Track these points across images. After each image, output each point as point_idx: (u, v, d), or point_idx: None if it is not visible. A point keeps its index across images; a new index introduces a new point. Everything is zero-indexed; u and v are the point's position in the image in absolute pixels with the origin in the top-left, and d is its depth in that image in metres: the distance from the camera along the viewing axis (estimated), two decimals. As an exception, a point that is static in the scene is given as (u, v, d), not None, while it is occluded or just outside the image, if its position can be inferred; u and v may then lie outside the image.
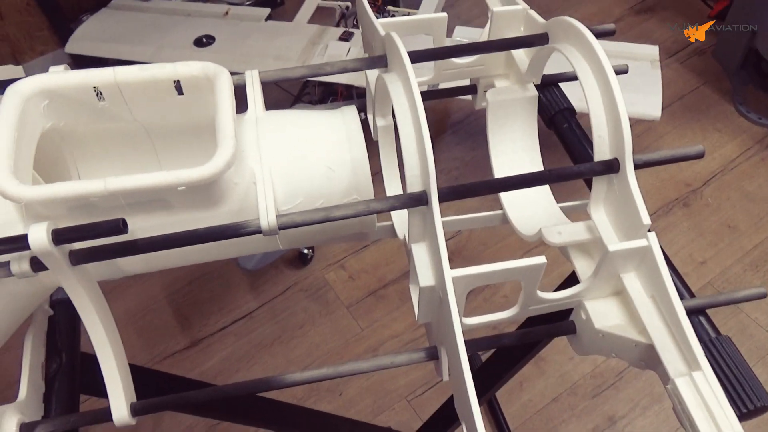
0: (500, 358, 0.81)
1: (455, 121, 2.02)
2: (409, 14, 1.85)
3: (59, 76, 0.42)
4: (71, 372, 0.50)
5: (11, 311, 0.43)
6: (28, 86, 0.41)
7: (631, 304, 0.42)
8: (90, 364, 0.53)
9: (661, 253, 0.39)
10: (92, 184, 0.37)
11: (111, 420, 0.42)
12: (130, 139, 0.49)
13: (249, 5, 2.07)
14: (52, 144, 0.48)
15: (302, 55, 1.69)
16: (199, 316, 1.62)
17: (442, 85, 0.64)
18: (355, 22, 1.89)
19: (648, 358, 0.41)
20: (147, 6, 1.97)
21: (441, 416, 1.11)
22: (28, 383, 0.46)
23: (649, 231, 0.41)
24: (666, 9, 2.28)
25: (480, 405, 0.35)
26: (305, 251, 1.67)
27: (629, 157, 0.41)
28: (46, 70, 0.46)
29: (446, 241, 0.39)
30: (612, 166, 0.42)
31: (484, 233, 1.70)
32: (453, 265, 0.38)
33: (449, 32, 1.76)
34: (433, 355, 0.46)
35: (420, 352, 0.46)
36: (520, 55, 0.57)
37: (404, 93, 0.43)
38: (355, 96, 1.73)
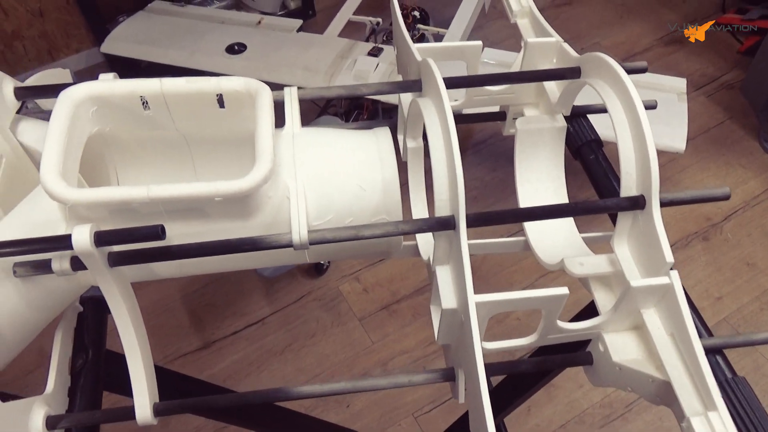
0: (513, 384, 0.81)
1: (477, 142, 2.03)
2: (438, 33, 1.87)
3: (109, 84, 0.44)
4: (96, 368, 0.52)
5: (47, 307, 0.44)
6: (79, 93, 0.43)
7: (650, 339, 0.42)
8: (113, 362, 0.55)
9: (683, 292, 0.40)
10: (136, 191, 0.39)
11: (134, 419, 0.44)
12: (169, 148, 0.51)
13: (282, 15, 2.11)
14: (95, 148, 0.50)
15: (330, 68, 1.71)
16: (212, 319, 1.64)
17: (471, 110, 0.66)
18: (384, 38, 1.91)
19: (664, 394, 0.41)
20: (182, 11, 2.02)
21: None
22: (56, 377, 0.47)
23: (671, 269, 0.41)
24: (695, 43, 2.28)
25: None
26: (322, 262, 1.68)
27: (656, 195, 0.42)
28: (81, 67, 0.48)
29: None
30: (638, 203, 0.43)
31: (501, 255, 1.70)
32: None
33: (477, 53, 1.78)
34: (449, 376, 0.47)
35: (437, 373, 0.47)
36: (551, 86, 0.58)
37: (438, 119, 0.44)
38: (380, 110, 1.75)
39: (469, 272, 0.40)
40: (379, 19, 1.93)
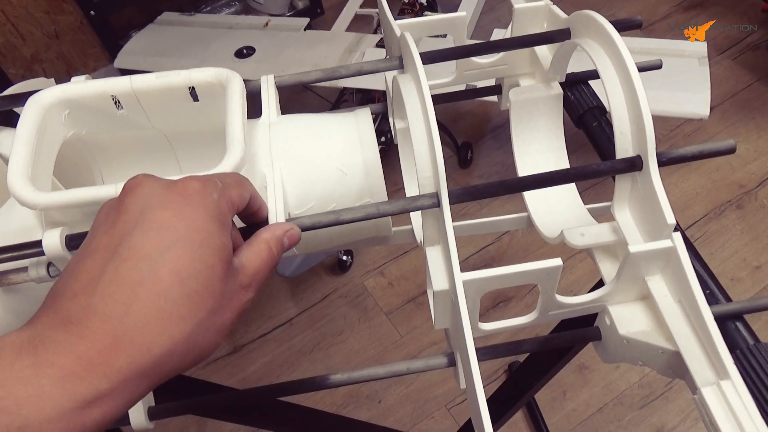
0: (531, 366, 0.79)
1: (496, 125, 1.99)
2: (446, 19, 1.84)
3: (78, 86, 0.43)
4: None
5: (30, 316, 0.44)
6: (47, 97, 0.42)
7: (657, 309, 0.39)
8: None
9: (687, 254, 0.37)
10: (104, 190, 0.38)
11: (129, 424, 0.43)
12: (151, 146, 0.50)
13: (289, 16, 2.10)
14: (77, 152, 0.49)
15: (339, 63, 1.70)
16: (240, 323, 1.64)
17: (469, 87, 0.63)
18: (392, 29, 1.89)
19: (675, 366, 0.39)
20: (191, 20, 2.03)
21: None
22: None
23: (675, 230, 0.38)
24: (716, 4, 2.19)
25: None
26: (344, 258, 1.67)
27: (652, 154, 0.39)
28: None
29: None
30: (634, 164, 0.40)
31: (526, 239, 1.66)
32: None
33: (488, 35, 1.74)
34: (451, 361, 0.45)
35: (439, 358, 0.45)
36: (543, 52, 0.56)
37: (416, 94, 0.42)
38: (392, 102, 1.73)
39: (455, 250, 0.38)
40: (386, 10, 1.91)
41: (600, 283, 0.51)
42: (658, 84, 1.36)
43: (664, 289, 0.39)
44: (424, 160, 0.40)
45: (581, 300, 0.41)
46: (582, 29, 0.47)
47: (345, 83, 1.65)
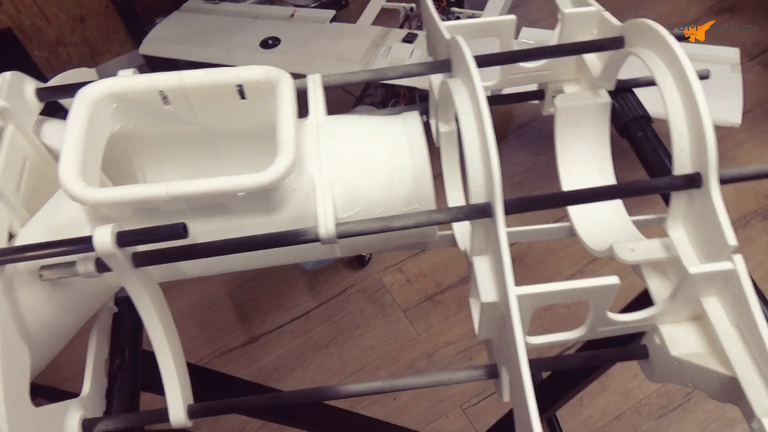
0: (562, 378, 0.78)
1: (519, 125, 1.97)
2: (473, 16, 1.82)
3: (127, 80, 0.43)
4: (133, 369, 0.51)
5: (79, 309, 0.44)
6: (96, 90, 0.42)
7: (712, 331, 0.38)
8: (151, 362, 0.54)
9: (749, 278, 0.36)
10: (155, 189, 0.37)
11: (168, 421, 0.43)
12: (194, 143, 0.50)
13: (314, 7, 2.09)
14: (119, 146, 0.49)
15: (365, 57, 1.69)
16: (258, 313, 1.65)
17: (508, 90, 0.62)
18: (419, 24, 1.87)
19: (730, 391, 0.38)
20: (216, 8, 2.02)
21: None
22: (92, 379, 0.47)
23: (734, 253, 0.37)
24: (746, 8, 2.15)
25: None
26: (363, 253, 1.67)
27: (714, 172, 0.38)
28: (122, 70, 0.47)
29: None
30: (694, 181, 0.39)
31: (547, 240, 1.65)
32: (513, 273, 0.36)
33: (515, 33, 1.72)
34: (493, 373, 0.44)
35: (479, 370, 0.45)
36: (592, 59, 0.54)
37: (469, 100, 0.41)
38: (417, 98, 1.72)
39: (509, 263, 0.37)
40: (413, 5, 1.89)
41: (643, 297, 0.50)
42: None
43: (720, 311, 0.38)
44: (477, 168, 0.39)
45: (632, 318, 0.40)
46: (637, 38, 0.46)
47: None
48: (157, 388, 0.54)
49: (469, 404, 1.43)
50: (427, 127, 0.48)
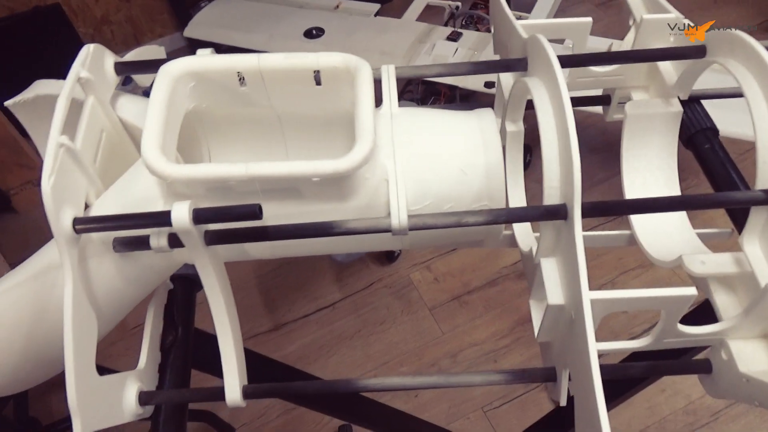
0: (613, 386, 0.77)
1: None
2: (520, 18, 1.81)
3: (207, 59, 0.43)
4: (185, 346, 0.52)
5: (143, 283, 0.44)
6: (178, 67, 0.42)
7: (786, 350, 0.38)
8: (201, 341, 0.55)
9: (833, 298, 0.35)
10: (234, 168, 0.37)
11: (223, 400, 0.43)
12: (261, 126, 0.50)
13: (360, 0, 2.09)
14: (189, 124, 0.49)
15: (408, 53, 1.69)
16: (284, 301, 1.66)
17: (575, 93, 0.61)
18: (463, 23, 1.86)
19: (803, 413, 0.37)
20: (262, -4, 2.04)
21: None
22: (148, 353, 0.47)
23: (816, 272, 0.36)
24: (801, 27, 2.10)
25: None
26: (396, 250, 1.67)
27: (801, 189, 0.37)
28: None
29: None
30: (778, 197, 0.38)
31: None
32: None
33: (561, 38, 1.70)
34: (549, 376, 0.44)
35: (536, 372, 0.44)
36: (667, 67, 0.53)
37: (549, 99, 0.41)
38: (458, 97, 1.71)
39: (584, 266, 0.36)
40: (459, 3, 1.88)
41: (701, 310, 0.49)
42: (737, 104, 1.32)
43: (796, 331, 0.38)
44: (554, 170, 0.39)
45: (703, 331, 0.40)
46: (722, 48, 0.45)
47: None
48: (208, 367, 0.55)
49: (491, 407, 1.42)
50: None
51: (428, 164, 0.43)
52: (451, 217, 0.39)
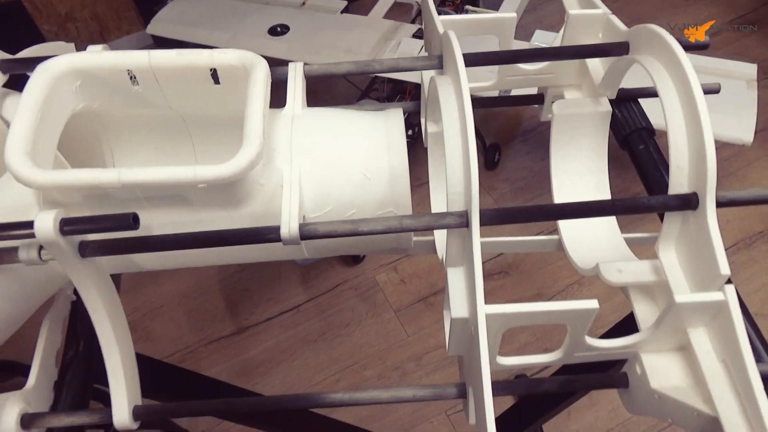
0: (535, 401, 0.75)
1: (527, 129, 1.94)
2: (487, 15, 1.79)
3: (92, 57, 0.40)
4: (87, 361, 0.49)
5: (26, 297, 0.41)
6: (59, 65, 0.39)
7: (697, 365, 0.36)
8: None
9: (740, 311, 0.33)
10: (106, 174, 0.35)
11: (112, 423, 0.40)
12: (167, 128, 0.47)
13: (327, -3, 2.06)
14: (88, 126, 0.46)
15: (374, 50, 1.66)
16: (247, 304, 1.62)
17: (517, 91, 0.59)
18: (431, 20, 1.84)
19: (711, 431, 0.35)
20: (228, -8, 2.00)
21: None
22: (39, 370, 0.44)
23: (727, 282, 0.34)
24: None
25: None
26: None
27: (711, 194, 0.35)
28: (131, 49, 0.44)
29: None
30: (689, 202, 0.36)
31: (546, 249, 1.62)
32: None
33: (528, 36, 1.68)
34: (461, 392, 0.41)
35: (449, 388, 0.42)
36: (596, 64, 0.51)
37: (455, 99, 0.38)
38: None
39: (480, 277, 0.34)
40: (426, 0, 1.86)
41: (627, 322, 0.47)
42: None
43: (707, 344, 0.36)
44: (457, 175, 0.36)
45: (612, 345, 0.38)
46: (643, 45, 0.43)
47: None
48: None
49: (455, 410, 1.40)
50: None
51: (329, 169, 0.40)
52: (346, 225, 0.37)
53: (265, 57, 0.43)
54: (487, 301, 0.33)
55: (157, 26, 1.90)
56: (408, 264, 1.65)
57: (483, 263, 0.34)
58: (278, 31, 1.76)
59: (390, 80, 1.73)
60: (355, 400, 0.41)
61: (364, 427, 0.99)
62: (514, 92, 0.61)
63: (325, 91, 2.04)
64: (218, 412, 0.42)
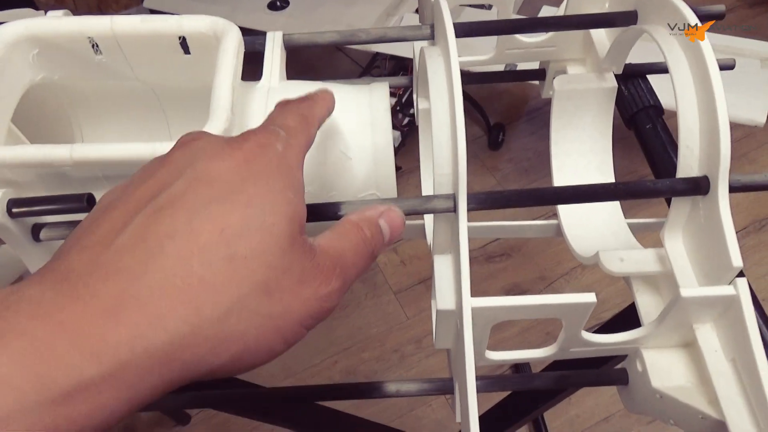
0: (525, 397, 0.72)
1: (533, 108, 1.89)
2: (493, -11, 1.73)
3: (50, 22, 0.37)
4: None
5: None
6: (13, 32, 0.36)
7: (703, 363, 0.33)
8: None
9: (753, 307, 0.30)
10: (57, 151, 0.32)
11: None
12: (138, 100, 0.44)
13: (329, -30, 2.00)
14: (54, 98, 0.43)
15: (375, 26, 1.61)
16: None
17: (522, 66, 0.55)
18: (435, -5, 1.78)
19: (717, 437, 0.32)
20: (227, -35, 1.94)
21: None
22: None
23: (739, 275, 0.31)
24: (784, 3, 2.04)
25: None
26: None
27: (724, 178, 0.32)
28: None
29: None
30: (699, 186, 0.33)
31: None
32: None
33: (535, 12, 1.63)
34: (449, 388, 0.39)
35: (435, 383, 0.39)
36: (601, 36, 0.48)
37: (444, 72, 0.35)
38: (426, 73, 1.64)
39: (467, 268, 0.31)
40: (431, -26, 1.80)
41: (628, 313, 0.44)
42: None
43: (714, 342, 0.33)
44: (444, 155, 0.33)
45: (611, 340, 0.35)
46: (653, 14, 0.39)
47: (376, 48, 1.56)
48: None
49: (454, 394, 1.38)
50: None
51: (307, 146, 0.37)
52: (326, 208, 0.34)
53: (265, 32, 0.41)
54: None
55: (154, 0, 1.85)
56: (408, 245, 1.63)
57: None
58: (278, 5, 1.71)
59: (392, 57, 1.69)
60: (332, 394, 0.39)
61: (362, 411, 0.97)
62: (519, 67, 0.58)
63: (329, 68, 2.00)
64: (189, 404, 0.39)
